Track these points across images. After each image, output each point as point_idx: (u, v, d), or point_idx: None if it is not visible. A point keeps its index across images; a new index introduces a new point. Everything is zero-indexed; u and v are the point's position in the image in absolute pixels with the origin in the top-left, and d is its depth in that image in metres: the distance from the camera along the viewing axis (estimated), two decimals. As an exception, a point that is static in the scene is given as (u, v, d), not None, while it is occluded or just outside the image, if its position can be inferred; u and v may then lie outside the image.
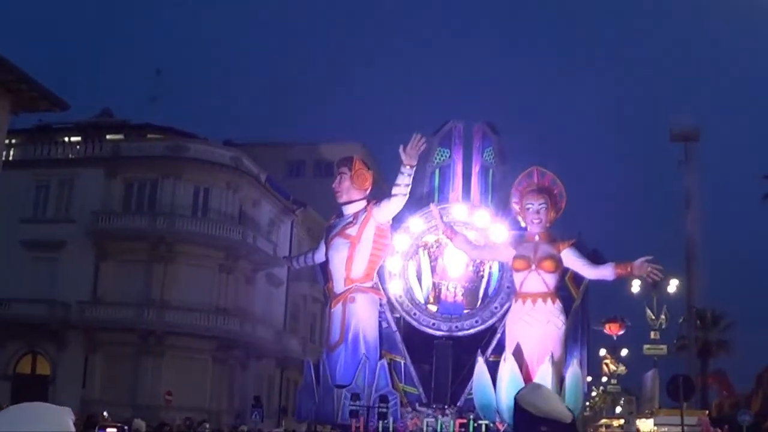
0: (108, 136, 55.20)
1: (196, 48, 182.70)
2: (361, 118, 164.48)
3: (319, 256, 17.51)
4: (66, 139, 55.14)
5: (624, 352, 61.48)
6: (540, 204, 17.64)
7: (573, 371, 17.35)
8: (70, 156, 51.70)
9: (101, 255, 48.77)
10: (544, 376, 16.78)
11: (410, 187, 15.85)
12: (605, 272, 17.64)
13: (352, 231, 16.48)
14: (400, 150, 14.62)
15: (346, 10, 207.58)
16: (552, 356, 16.96)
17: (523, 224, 18.26)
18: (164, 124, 56.74)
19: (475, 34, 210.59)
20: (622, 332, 48.97)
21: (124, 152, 51.17)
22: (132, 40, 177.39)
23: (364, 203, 16.55)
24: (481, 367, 17.78)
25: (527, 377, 17.03)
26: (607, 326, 48.10)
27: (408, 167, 15.35)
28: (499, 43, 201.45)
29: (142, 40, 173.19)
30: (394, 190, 15.63)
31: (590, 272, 17.89)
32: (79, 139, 54.65)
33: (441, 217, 17.44)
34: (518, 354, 17.39)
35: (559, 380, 17.13)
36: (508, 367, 17.14)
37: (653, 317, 40.18)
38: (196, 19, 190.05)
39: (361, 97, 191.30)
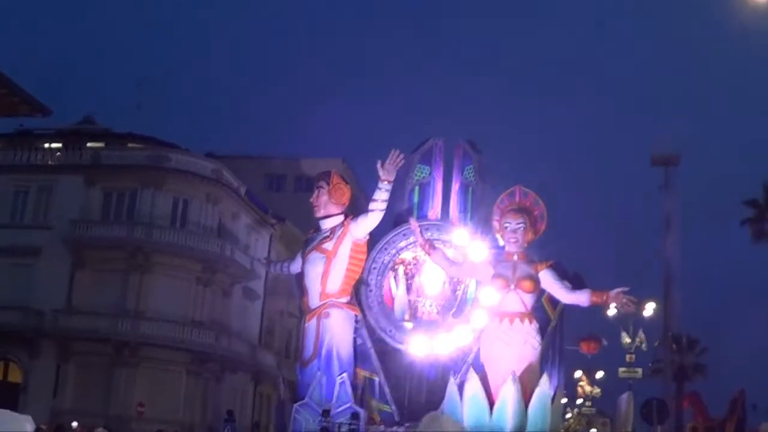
0: (89, 144, 54.80)
1: (182, 56, 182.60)
2: (343, 133, 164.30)
3: (295, 268, 17.30)
4: (46, 145, 54.71)
5: (599, 374, 61.49)
6: (518, 223, 17.53)
7: (540, 391, 17.20)
8: (50, 162, 51.31)
9: (78, 263, 48.38)
10: (505, 395, 16.70)
11: (387, 203, 15.76)
12: (581, 298, 17.56)
13: (328, 246, 16.32)
14: (378, 165, 14.48)
15: (330, 23, 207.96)
16: (514, 376, 16.83)
17: (501, 243, 18.16)
18: (146, 134, 56.46)
19: (458, 50, 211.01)
20: (597, 351, 48.99)
21: (105, 160, 50.85)
22: (119, 46, 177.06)
23: (341, 218, 16.41)
24: (451, 386, 17.67)
25: (494, 396, 16.95)
26: (582, 344, 48.12)
27: (386, 183, 15.21)
28: (482, 60, 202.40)
29: (129, 47, 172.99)
30: (371, 206, 15.48)
31: (566, 296, 17.80)
32: (59, 145, 54.26)
33: (420, 232, 17.29)
34: (490, 372, 17.30)
35: (527, 400, 17.00)
36: (472, 386, 17.04)
37: (629, 340, 40.31)
38: (184, 28, 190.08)
39: (343, 112, 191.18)
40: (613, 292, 17.13)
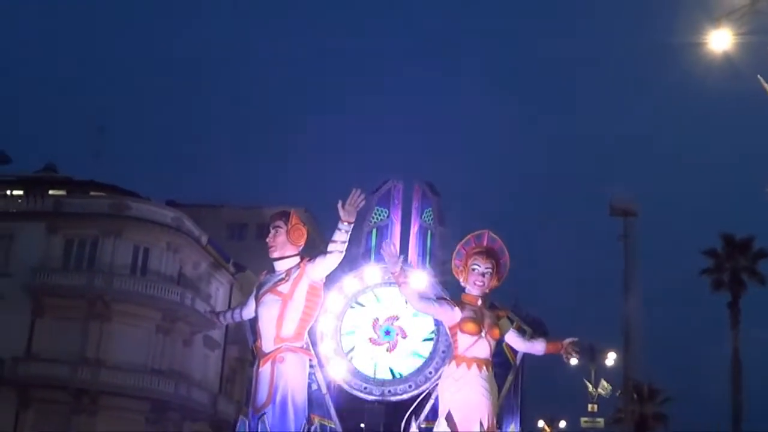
0: (50, 191, 54.91)
1: (144, 104, 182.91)
2: (306, 183, 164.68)
3: (247, 313, 16.97)
4: (8, 192, 54.74)
5: (562, 423, 61.52)
6: (486, 267, 17.10)
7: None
8: (11, 210, 51.33)
9: (38, 311, 48.30)
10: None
11: (347, 244, 15.51)
12: (537, 347, 17.22)
13: (284, 288, 15.98)
14: (339, 206, 14.23)
15: (293, 68, 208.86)
16: (482, 424, 16.54)
17: (463, 284, 17.82)
18: (108, 182, 56.48)
19: (421, 96, 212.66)
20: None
21: (66, 208, 50.90)
22: (79, 94, 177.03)
23: (297, 260, 16.19)
24: (414, 432, 17.39)
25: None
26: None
27: (345, 224, 14.89)
28: (445, 104, 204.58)
29: (90, 95, 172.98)
30: (330, 247, 15.11)
31: (522, 345, 17.46)
32: (21, 193, 54.37)
33: (398, 257, 16.45)
34: (451, 420, 17.02)
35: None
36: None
37: (592, 390, 40.39)
38: (145, 75, 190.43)
39: (308, 162, 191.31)
40: (566, 342, 16.88)
